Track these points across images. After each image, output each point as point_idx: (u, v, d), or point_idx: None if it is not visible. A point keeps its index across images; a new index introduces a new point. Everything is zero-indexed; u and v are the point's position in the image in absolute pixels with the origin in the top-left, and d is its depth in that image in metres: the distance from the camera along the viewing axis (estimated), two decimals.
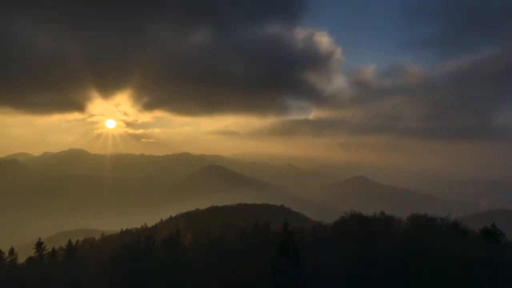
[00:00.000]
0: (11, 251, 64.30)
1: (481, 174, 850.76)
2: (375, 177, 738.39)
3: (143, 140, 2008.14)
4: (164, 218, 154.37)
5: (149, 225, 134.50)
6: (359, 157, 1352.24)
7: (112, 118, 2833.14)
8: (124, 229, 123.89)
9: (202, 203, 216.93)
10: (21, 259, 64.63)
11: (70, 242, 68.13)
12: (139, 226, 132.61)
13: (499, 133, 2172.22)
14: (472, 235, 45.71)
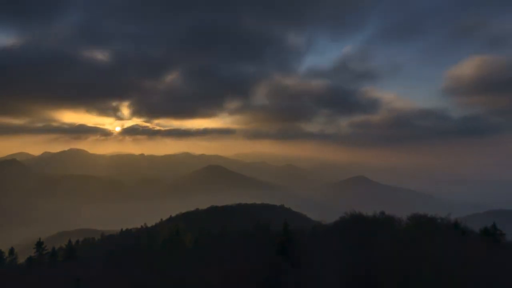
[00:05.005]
0: (11, 251, 64.31)
1: (481, 174, 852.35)
2: (375, 177, 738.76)
3: (143, 140, 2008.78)
4: (164, 218, 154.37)
5: (149, 225, 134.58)
6: (359, 157, 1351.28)
7: (113, 119, 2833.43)
8: (124, 229, 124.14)
9: (202, 203, 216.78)
10: (21, 259, 64.62)
11: (70, 242, 68.36)
12: (139, 226, 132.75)
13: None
14: (472, 235, 45.69)
